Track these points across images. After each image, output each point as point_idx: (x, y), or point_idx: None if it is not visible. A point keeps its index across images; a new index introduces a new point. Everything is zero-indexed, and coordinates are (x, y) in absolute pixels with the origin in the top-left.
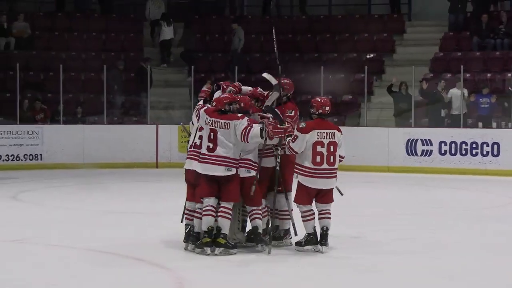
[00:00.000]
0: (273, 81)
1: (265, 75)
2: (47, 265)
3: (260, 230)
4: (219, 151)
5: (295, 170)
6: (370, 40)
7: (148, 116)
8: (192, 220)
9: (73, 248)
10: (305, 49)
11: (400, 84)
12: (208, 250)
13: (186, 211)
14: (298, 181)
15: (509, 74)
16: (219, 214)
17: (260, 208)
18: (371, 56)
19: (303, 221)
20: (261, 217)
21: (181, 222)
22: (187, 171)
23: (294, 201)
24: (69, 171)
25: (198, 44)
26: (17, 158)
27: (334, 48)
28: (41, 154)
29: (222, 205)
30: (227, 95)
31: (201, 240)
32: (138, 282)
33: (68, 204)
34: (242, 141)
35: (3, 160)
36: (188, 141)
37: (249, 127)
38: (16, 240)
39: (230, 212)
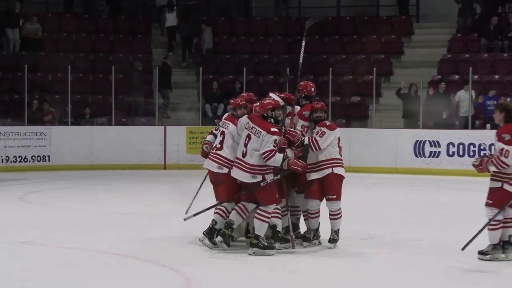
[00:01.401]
0: (281, 102)
1: (272, 95)
2: (54, 267)
3: (279, 229)
4: (248, 158)
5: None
6: (379, 42)
7: (156, 118)
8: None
9: (81, 250)
10: (314, 50)
11: (410, 86)
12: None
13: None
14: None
15: None
16: (255, 216)
17: (279, 207)
18: (380, 57)
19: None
20: (280, 216)
21: (185, 213)
22: (209, 171)
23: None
24: (77, 173)
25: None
26: (25, 160)
27: (343, 49)
28: (49, 156)
29: (259, 207)
30: (271, 100)
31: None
32: (146, 283)
33: (75, 205)
34: (262, 157)
35: (11, 162)
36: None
37: (274, 151)
38: (25, 242)
39: (268, 215)
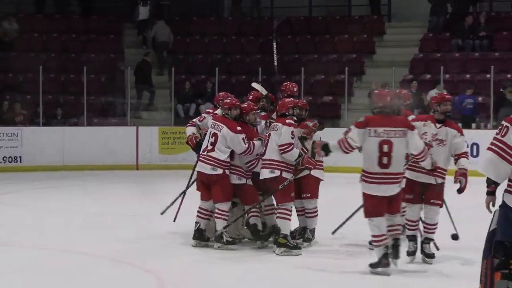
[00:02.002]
0: (264, 92)
1: (254, 85)
2: (27, 268)
3: (259, 227)
4: (267, 154)
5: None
6: (350, 42)
7: (128, 118)
8: (205, 219)
9: (54, 250)
10: (286, 50)
11: (383, 86)
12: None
13: (198, 209)
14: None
15: (488, 75)
16: (277, 215)
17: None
18: (352, 57)
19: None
20: (259, 215)
21: (174, 221)
22: (200, 173)
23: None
24: (49, 173)
25: (179, 46)
26: None
27: (315, 49)
28: (20, 157)
29: (279, 206)
30: (291, 99)
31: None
32: (119, 284)
33: (48, 206)
34: (278, 150)
35: None
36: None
37: (291, 147)
38: None
39: (289, 212)
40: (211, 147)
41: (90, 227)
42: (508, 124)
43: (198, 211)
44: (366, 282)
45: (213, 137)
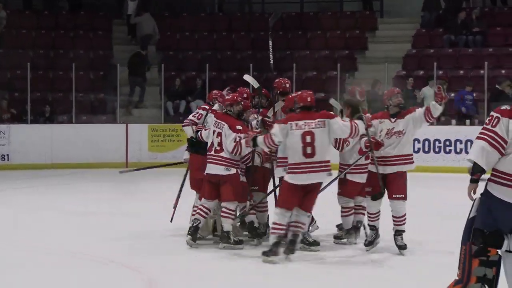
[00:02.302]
0: (256, 84)
1: (246, 77)
2: (13, 267)
3: (256, 224)
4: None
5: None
6: (342, 37)
7: (117, 115)
8: (205, 217)
9: (41, 249)
10: (277, 46)
11: (375, 83)
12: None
13: (200, 206)
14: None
15: (481, 71)
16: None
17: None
18: (344, 53)
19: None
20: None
21: (171, 221)
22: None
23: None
24: (37, 172)
25: (169, 42)
26: None
27: (306, 45)
28: (8, 155)
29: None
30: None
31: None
32: (109, 284)
33: (36, 205)
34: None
35: None
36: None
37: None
38: None
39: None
40: (219, 147)
41: (78, 227)
42: (499, 115)
43: (199, 209)
44: (344, 274)
45: (218, 137)
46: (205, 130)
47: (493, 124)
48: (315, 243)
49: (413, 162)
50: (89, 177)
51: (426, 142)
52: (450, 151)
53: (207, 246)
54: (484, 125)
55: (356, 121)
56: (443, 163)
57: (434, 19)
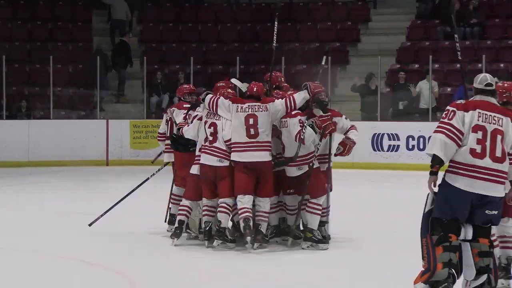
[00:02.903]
0: (244, 88)
1: (234, 80)
2: None
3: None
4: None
5: None
6: (334, 29)
7: (97, 111)
8: (213, 216)
9: (20, 251)
10: (265, 38)
11: (369, 77)
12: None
13: (205, 207)
14: None
15: (479, 65)
16: (307, 210)
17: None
18: (335, 46)
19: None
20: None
21: (165, 221)
22: (205, 168)
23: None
24: (13, 170)
25: (152, 33)
26: None
27: (296, 37)
28: None
29: (310, 200)
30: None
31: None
32: (90, 286)
33: (12, 205)
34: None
35: None
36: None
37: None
38: None
39: (319, 207)
40: (212, 138)
41: (57, 227)
42: (454, 108)
43: (205, 210)
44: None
45: (211, 127)
46: (188, 126)
47: (450, 117)
48: (324, 241)
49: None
50: (68, 176)
51: (421, 139)
52: None
53: (197, 246)
54: (441, 119)
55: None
56: None
57: (430, 10)
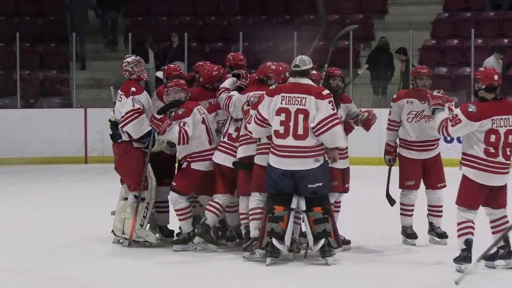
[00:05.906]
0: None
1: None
2: None
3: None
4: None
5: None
6: None
7: (73, 98)
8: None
9: None
10: (274, 10)
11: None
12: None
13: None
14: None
15: None
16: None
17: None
18: (358, 18)
19: None
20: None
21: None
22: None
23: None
24: None
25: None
26: None
27: (310, 8)
28: None
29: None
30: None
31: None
32: None
33: None
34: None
35: None
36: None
37: None
38: None
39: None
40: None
41: (22, 237)
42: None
43: (212, 206)
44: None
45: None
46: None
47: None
48: (345, 242)
49: None
50: (38, 175)
51: None
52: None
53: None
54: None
55: None
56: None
57: None
